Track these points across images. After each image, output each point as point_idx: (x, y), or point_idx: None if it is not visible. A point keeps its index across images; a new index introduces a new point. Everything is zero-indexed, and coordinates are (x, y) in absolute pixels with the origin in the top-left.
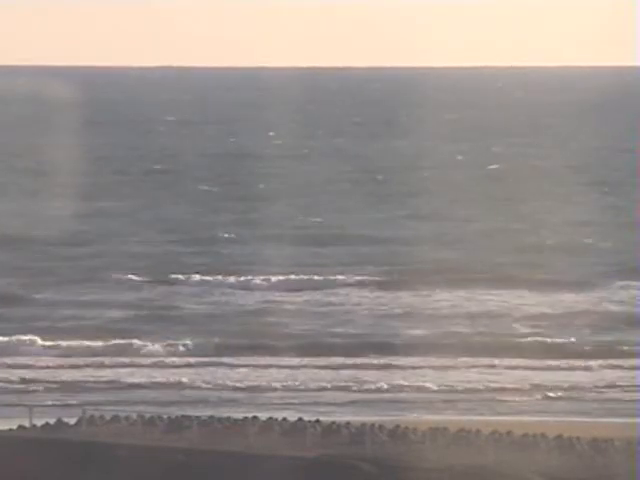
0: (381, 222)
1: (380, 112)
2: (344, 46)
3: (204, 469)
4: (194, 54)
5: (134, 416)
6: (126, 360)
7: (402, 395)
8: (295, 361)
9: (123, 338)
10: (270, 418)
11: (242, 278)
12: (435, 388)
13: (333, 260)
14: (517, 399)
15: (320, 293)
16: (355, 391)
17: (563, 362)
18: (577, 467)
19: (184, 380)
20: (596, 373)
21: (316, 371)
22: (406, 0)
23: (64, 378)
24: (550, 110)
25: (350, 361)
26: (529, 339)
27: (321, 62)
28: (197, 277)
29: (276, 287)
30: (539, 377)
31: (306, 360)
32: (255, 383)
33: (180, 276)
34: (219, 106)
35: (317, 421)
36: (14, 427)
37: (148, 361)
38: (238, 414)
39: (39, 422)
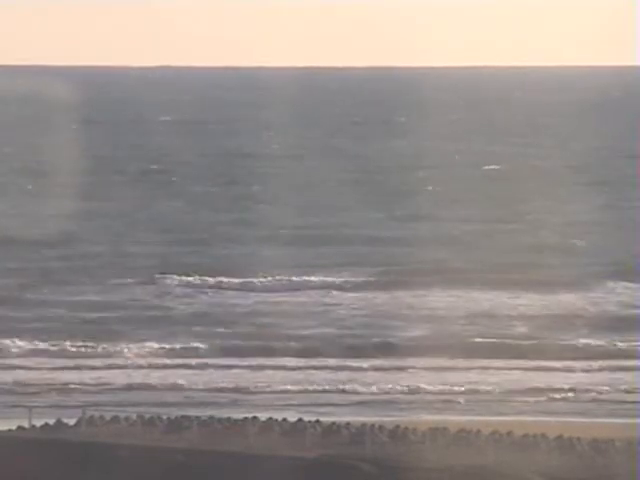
0: (381, 222)
1: (380, 112)
2: (344, 46)
3: (204, 469)
4: (194, 54)
5: (134, 417)
6: (119, 362)
7: (400, 396)
8: (292, 362)
9: (117, 339)
10: (270, 418)
11: (240, 279)
12: (433, 389)
13: (332, 260)
14: (517, 399)
15: (317, 293)
16: (354, 392)
17: (562, 363)
18: (577, 467)
19: (180, 382)
20: (596, 373)
21: (314, 372)
22: (406, 0)
23: (59, 379)
24: (550, 110)
25: (349, 362)
26: (528, 340)
27: (321, 62)
28: (193, 277)
29: (274, 288)
30: (539, 378)
31: (303, 361)
32: (253, 384)
33: (176, 276)
34: (218, 106)
35: (317, 421)
36: (13, 428)
37: (143, 362)
38: (238, 414)
39: (38, 423)
